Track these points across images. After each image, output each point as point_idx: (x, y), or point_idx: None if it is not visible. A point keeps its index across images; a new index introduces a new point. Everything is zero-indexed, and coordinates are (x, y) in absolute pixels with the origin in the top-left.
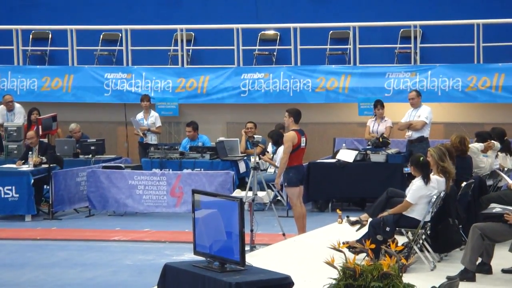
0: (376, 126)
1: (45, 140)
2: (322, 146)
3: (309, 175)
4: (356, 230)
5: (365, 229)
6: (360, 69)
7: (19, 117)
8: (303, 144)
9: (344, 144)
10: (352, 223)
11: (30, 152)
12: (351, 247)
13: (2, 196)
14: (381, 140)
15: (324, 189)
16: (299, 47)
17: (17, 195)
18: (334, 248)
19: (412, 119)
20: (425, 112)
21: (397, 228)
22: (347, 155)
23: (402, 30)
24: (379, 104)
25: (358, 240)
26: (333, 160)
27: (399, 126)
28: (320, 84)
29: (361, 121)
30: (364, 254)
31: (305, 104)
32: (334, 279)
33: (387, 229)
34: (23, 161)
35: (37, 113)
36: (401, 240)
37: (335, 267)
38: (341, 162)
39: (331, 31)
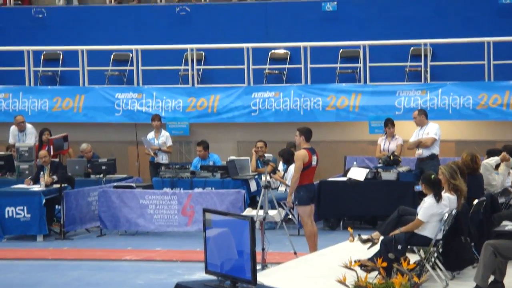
0: (387, 144)
1: (57, 160)
2: (333, 165)
3: (320, 193)
4: (368, 248)
5: (376, 247)
6: (370, 87)
7: (31, 138)
8: (314, 163)
9: (355, 163)
10: (364, 241)
11: (41, 172)
12: (362, 266)
13: (14, 216)
14: (392, 158)
15: (335, 207)
16: (309, 65)
17: (29, 215)
18: (346, 267)
19: (421, 137)
20: (433, 129)
21: (409, 246)
22: (358, 173)
23: (412, 48)
24: (389, 122)
25: (369, 258)
26: (344, 179)
27: (408, 145)
28: (331, 103)
29: (372, 139)
30: (376, 272)
31: (316, 122)
32: None
33: (399, 247)
34: (32, 180)
35: (48, 134)
36: (413, 258)
37: (347, 286)
38: (352, 180)
39: (341, 50)
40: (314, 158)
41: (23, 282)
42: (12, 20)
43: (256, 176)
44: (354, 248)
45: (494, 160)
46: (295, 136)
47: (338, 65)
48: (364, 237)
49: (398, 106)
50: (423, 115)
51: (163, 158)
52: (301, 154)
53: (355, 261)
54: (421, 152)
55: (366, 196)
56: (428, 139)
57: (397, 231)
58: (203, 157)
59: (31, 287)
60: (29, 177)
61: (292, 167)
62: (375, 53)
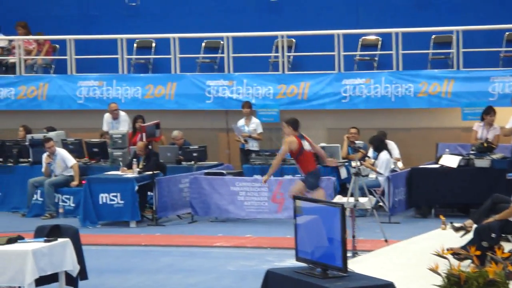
0: (484, 133)
1: (150, 147)
2: (425, 152)
3: (412, 180)
4: (461, 237)
5: (469, 236)
6: (463, 73)
7: (124, 125)
8: (306, 147)
9: (447, 150)
10: (457, 229)
11: (135, 159)
12: (455, 254)
13: (108, 202)
14: (485, 145)
15: (426, 194)
16: (400, 52)
17: (122, 202)
18: (438, 255)
19: None
20: None
21: (503, 235)
22: (450, 160)
23: (507, 33)
24: (492, 110)
25: (462, 246)
26: (436, 166)
27: (505, 132)
28: (423, 89)
29: (465, 126)
30: (469, 261)
31: (407, 109)
32: (438, 286)
33: (493, 235)
34: (127, 168)
35: (141, 121)
36: (507, 246)
37: (439, 274)
38: (445, 167)
39: (434, 35)
40: (305, 142)
41: (117, 267)
42: (106, 8)
43: (347, 163)
44: (446, 236)
45: None
46: (283, 127)
47: (431, 51)
48: (457, 225)
49: (492, 92)
50: None
51: (253, 145)
52: (288, 139)
53: (447, 249)
54: None
55: (459, 183)
56: None
57: (491, 219)
58: None
59: (124, 272)
60: (125, 166)
61: (382, 154)
62: (468, 39)
